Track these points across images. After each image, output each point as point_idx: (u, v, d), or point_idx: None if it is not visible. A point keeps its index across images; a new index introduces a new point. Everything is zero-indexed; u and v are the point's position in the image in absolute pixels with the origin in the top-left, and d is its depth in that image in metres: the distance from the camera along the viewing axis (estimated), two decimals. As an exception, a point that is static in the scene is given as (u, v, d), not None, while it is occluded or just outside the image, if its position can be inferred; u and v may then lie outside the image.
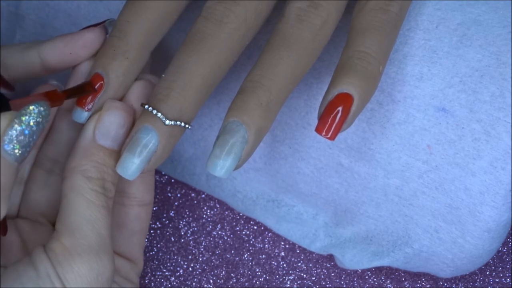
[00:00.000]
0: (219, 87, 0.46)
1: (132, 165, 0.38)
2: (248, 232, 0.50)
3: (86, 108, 0.39)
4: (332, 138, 0.38)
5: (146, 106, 0.38)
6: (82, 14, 0.47)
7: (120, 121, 0.39)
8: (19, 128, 0.34)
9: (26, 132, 0.34)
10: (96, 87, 0.39)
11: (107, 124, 0.39)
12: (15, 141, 0.34)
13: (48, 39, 0.41)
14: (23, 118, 0.34)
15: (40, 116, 0.35)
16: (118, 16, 0.40)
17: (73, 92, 0.38)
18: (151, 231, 0.50)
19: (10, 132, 0.34)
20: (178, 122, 0.38)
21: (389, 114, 0.43)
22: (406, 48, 0.43)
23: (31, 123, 0.34)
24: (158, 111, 0.37)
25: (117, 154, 0.39)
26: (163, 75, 0.38)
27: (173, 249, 0.49)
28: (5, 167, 0.34)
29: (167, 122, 0.37)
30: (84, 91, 0.39)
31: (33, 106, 0.34)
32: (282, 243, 0.50)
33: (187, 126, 0.38)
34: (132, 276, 0.43)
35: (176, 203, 0.51)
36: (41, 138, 0.43)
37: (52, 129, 0.42)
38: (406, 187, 0.44)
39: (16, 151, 0.34)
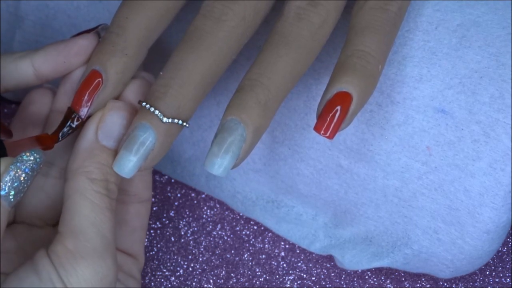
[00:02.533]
0: (219, 88, 0.46)
1: (129, 163, 0.37)
2: (248, 232, 0.50)
3: (84, 106, 0.39)
4: (331, 137, 0.38)
5: (144, 104, 0.38)
6: (82, 15, 0.47)
7: (123, 122, 0.39)
8: (15, 175, 0.35)
9: (22, 178, 0.35)
10: (94, 83, 0.39)
11: (110, 125, 0.39)
12: (10, 187, 0.35)
13: (40, 48, 0.41)
14: (19, 165, 0.35)
15: (36, 163, 0.36)
16: (116, 13, 0.40)
17: (61, 127, 0.39)
18: (151, 231, 0.50)
19: (6, 178, 0.35)
20: (176, 120, 0.38)
21: (389, 116, 0.43)
22: (405, 49, 0.43)
23: (27, 170, 0.36)
24: (155, 109, 0.37)
25: None
26: (161, 73, 0.38)
27: (173, 249, 0.49)
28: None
29: (165, 119, 0.37)
30: (70, 119, 0.39)
31: (29, 153, 0.36)
32: (282, 243, 0.50)
33: (185, 124, 0.38)
34: (135, 272, 0.43)
35: (176, 203, 0.51)
36: None
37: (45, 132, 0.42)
38: (406, 188, 0.44)
39: (11, 196, 0.35)
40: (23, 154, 0.35)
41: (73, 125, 0.39)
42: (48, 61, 0.40)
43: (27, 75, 0.40)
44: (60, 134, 0.39)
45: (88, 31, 0.41)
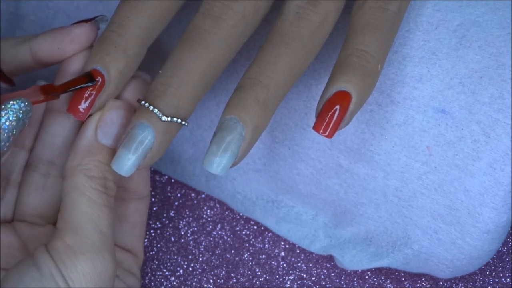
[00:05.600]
0: (219, 89, 0.46)
1: (128, 161, 0.37)
2: (248, 232, 0.50)
3: (83, 105, 0.39)
4: (330, 136, 0.38)
5: (143, 102, 0.38)
6: (82, 15, 0.47)
7: (122, 120, 0.39)
8: None
9: (5, 126, 0.35)
10: (97, 83, 0.39)
11: (109, 124, 0.39)
12: None
13: (40, 33, 0.41)
14: (3, 113, 0.35)
15: (21, 111, 0.35)
16: (116, 11, 0.39)
17: (71, 85, 0.38)
18: (151, 231, 0.50)
19: None
20: (175, 119, 0.38)
21: (389, 116, 0.43)
22: (405, 49, 0.43)
23: (11, 118, 0.35)
24: (154, 107, 0.37)
25: None
26: (160, 71, 0.38)
27: (173, 249, 0.50)
28: None
29: (164, 118, 0.37)
30: (83, 83, 0.38)
31: (13, 101, 0.35)
32: (282, 243, 0.50)
33: (183, 122, 0.38)
34: (135, 269, 0.44)
35: (176, 203, 0.51)
36: (31, 140, 0.43)
37: (44, 132, 0.42)
38: (406, 188, 0.43)
39: None
40: (8, 101, 0.35)
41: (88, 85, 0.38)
42: (43, 46, 0.40)
43: (25, 59, 0.41)
44: (72, 86, 0.38)
45: (86, 21, 0.41)
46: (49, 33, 0.40)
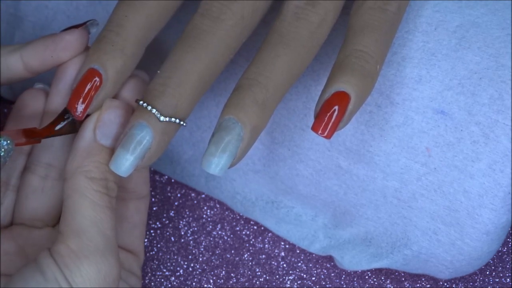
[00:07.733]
0: (218, 89, 0.46)
1: (126, 162, 0.37)
2: (248, 232, 0.50)
3: (82, 104, 0.39)
4: (329, 137, 0.38)
5: (141, 102, 0.38)
6: (81, 15, 0.47)
7: (120, 120, 0.39)
8: None
9: None
10: (92, 81, 0.39)
11: (107, 124, 0.39)
12: None
13: (29, 41, 0.41)
14: None
15: (3, 150, 0.36)
16: (114, 10, 0.39)
17: (53, 126, 0.39)
18: (151, 231, 0.50)
19: None
20: (173, 119, 0.38)
21: (388, 117, 0.43)
22: (404, 50, 0.43)
23: None
24: (153, 107, 0.37)
25: None
26: (159, 71, 0.38)
27: (173, 249, 0.50)
28: None
29: (162, 118, 0.37)
30: (64, 119, 0.39)
31: None
32: (282, 243, 0.50)
33: (182, 123, 0.38)
34: (136, 269, 0.44)
35: (176, 203, 0.51)
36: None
37: None
38: (405, 189, 0.43)
39: None
40: None
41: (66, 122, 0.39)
42: (36, 55, 0.40)
43: (17, 69, 0.41)
44: (53, 129, 0.39)
45: (76, 26, 0.41)
46: (40, 41, 0.40)
